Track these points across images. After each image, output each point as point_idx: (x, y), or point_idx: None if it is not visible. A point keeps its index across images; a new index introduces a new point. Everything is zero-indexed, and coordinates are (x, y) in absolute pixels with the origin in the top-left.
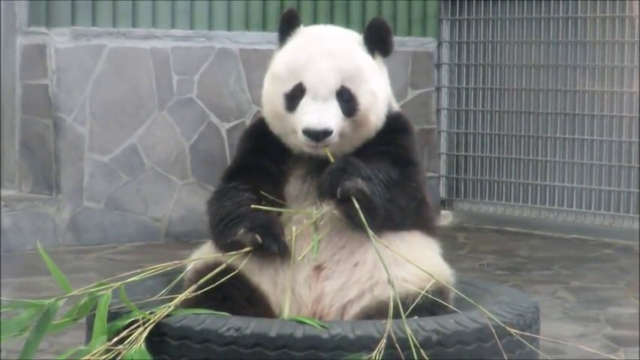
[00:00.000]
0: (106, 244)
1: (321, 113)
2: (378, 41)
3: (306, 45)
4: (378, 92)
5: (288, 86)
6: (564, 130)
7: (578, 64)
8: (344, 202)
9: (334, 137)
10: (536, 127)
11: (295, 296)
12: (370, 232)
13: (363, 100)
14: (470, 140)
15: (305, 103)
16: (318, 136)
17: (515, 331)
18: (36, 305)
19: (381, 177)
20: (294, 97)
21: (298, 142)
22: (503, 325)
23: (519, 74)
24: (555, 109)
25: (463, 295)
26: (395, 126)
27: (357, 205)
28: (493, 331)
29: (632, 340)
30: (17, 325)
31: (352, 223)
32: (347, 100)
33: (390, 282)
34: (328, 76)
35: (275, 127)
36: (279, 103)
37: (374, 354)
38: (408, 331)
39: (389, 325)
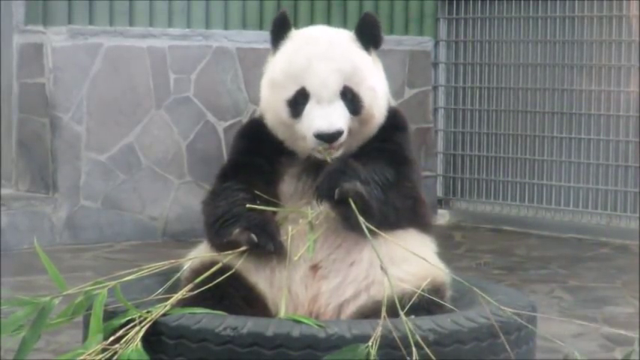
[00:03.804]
0: (103, 242)
1: (329, 116)
2: (370, 37)
3: (301, 49)
4: (378, 88)
5: (290, 92)
6: (561, 129)
7: (575, 63)
8: (341, 204)
9: (345, 137)
10: (533, 126)
11: (292, 295)
12: (367, 234)
13: (366, 98)
14: (467, 139)
15: (311, 108)
16: (330, 138)
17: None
18: (32, 303)
19: (377, 179)
20: (298, 103)
21: (307, 147)
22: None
23: (516, 73)
24: (552, 108)
25: (476, 289)
26: (391, 122)
27: (354, 207)
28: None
29: (629, 339)
30: (13, 324)
31: (349, 224)
32: (351, 99)
33: (384, 270)
34: (330, 79)
35: (280, 133)
36: (282, 110)
37: (370, 342)
38: (407, 329)
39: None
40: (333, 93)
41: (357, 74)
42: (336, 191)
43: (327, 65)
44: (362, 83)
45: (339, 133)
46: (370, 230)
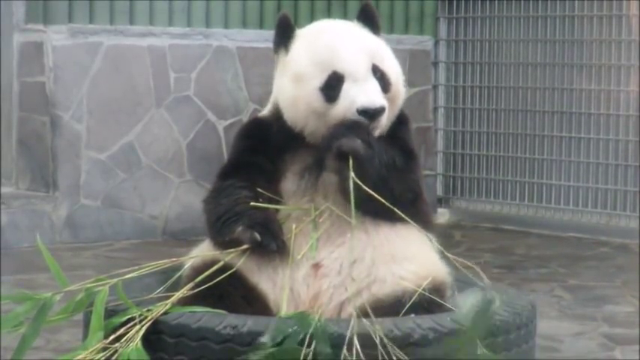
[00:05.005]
0: (103, 241)
1: (370, 93)
2: (373, 25)
3: (319, 39)
4: (397, 67)
5: (322, 79)
6: (561, 128)
7: (574, 62)
8: (339, 160)
9: (385, 117)
10: (533, 125)
11: (293, 294)
12: (352, 198)
13: (392, 75)
14: (467, 138)
15: (349, 88)
16: (374, 114)
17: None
18: (32, 299)
19: (385, 158)
20: (332, 86)
21: None
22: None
23: (516, 72)
24: (552, 108)
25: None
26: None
27: (351, 165)
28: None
29: (628, 338)
30: (14, 319)
31: (342, 185)
32: (380, 77)
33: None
34: (360, 57)
35: (310, 124)
36: (316, 98)
37: (316, 308)
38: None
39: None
40: (367, 70)
41: (379, 53)
42: (335, 145)
43: (352, 45)
44: (385, 61)
45: (382, 109)
46: (364, 204)
